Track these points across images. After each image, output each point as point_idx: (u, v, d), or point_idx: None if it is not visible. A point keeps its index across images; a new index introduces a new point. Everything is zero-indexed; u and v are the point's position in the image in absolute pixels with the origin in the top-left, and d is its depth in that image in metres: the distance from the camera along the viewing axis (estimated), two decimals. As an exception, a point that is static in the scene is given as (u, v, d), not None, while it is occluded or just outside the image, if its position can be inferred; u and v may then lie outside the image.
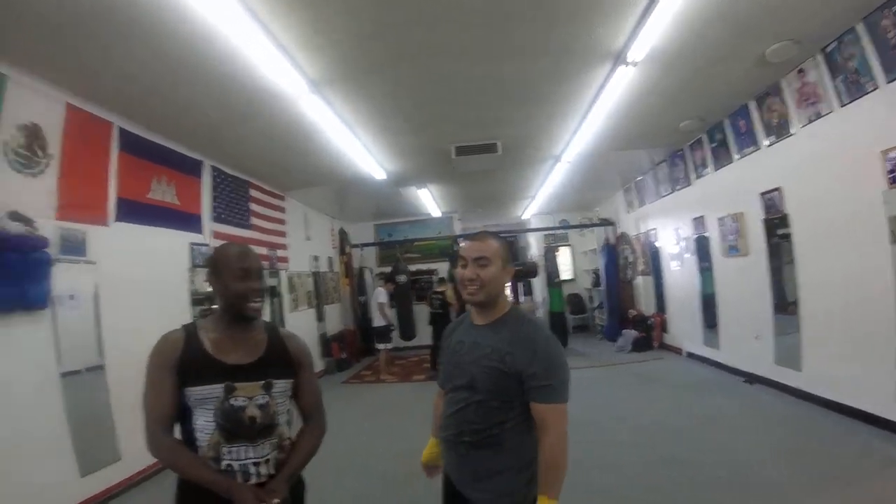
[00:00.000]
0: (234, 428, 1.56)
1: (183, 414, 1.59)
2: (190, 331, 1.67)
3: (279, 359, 1.75)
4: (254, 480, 1.58)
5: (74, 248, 4.07)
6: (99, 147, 4.46)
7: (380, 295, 8.99)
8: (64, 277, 3.91)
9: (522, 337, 1.66)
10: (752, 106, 5.42)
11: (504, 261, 1.74)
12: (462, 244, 1.83)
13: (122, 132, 4.69)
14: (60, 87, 3.91)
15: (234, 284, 1.64)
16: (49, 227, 3.77)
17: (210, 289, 1.75)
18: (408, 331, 10.60)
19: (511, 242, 1.84)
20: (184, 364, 1.58)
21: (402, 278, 10.72)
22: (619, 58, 4.16)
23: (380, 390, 8.05)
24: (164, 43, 3.41)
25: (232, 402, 1.57)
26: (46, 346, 3.74)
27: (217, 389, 1.56)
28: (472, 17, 3.55)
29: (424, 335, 9.80)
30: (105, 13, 3.03)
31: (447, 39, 3.82)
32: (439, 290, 8.93)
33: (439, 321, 8.19)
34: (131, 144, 4.81)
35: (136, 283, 4.71)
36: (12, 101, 3.49)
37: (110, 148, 4.58)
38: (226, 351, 1.64)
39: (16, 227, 3.38)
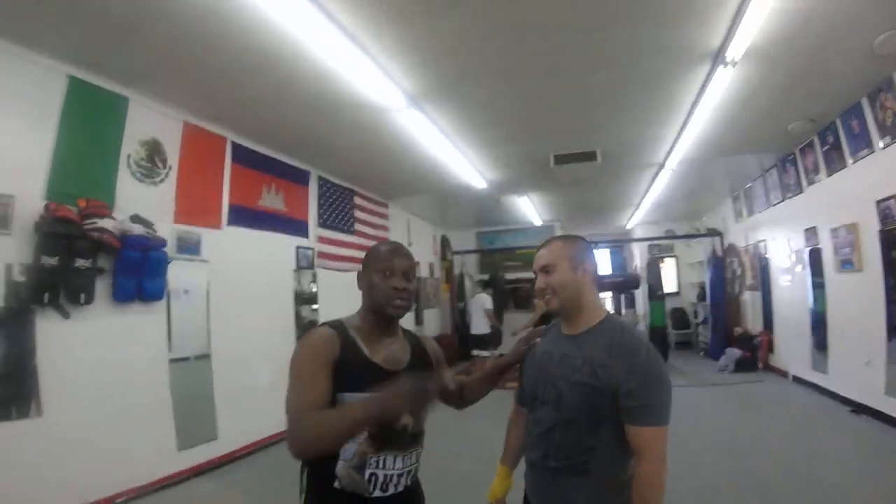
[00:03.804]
0: (387, 436, 1.46)
1: None
2: (341, 330, 1.54)
3: (423, 361, 1.68)
4: (391, 492, 1.49)
5: (189, 248, 4.66)
6: (213, 159, 5.05)
7: (486, 301, 8.78)
8: (180, 274, 4.49)
9: (620, 348, 1.47)
10: (865, 103, 4.89)
11: (574, 261, 1.61)
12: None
13: (235, 146, 5.29)
14: (178, 107, 4.52)
15: (378, 282, 1.56)
16: (167, 229, 4.35)
17: (361, 287, 1.64)
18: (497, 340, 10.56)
19: (587, 241, 1.74)
20: (343, 366, 1.45)
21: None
22: (717, 58, 3.97)
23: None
24: (271, 65, 3.81)
25: None
26: (159, 335, 4.32)
27: None
28: (560, 26, 3.59)
29: (509, 344, 9.71)
30: (218, 42, 3.47)
31: (537, 49, 3.88)
32: None
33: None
34: (243, 157, 5.41)
35: (244, 281, 5.25)
36: (134, 119, 4.11)
37: (224, 160, 5.18)
38: (380, 354, 1.55)
39: (137, 229, 3.93)
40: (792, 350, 7.33)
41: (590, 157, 6.35)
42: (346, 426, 1.32)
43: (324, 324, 1.59)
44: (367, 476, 1.44)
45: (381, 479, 1.46)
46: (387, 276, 1.56)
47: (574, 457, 1.49)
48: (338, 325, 1.56)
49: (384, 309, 1.56)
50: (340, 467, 1.43)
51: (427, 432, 1.61)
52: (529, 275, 7.83)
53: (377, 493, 1.46)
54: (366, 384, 1.39)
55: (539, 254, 1.67)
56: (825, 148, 5.82)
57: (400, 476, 1.50)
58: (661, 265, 11.27)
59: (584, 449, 1.48)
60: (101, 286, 3.77)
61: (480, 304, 8.80)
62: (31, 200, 3.37)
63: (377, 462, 1.46)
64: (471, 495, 3.50)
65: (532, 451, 1.62)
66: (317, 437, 1.32)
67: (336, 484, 1.44)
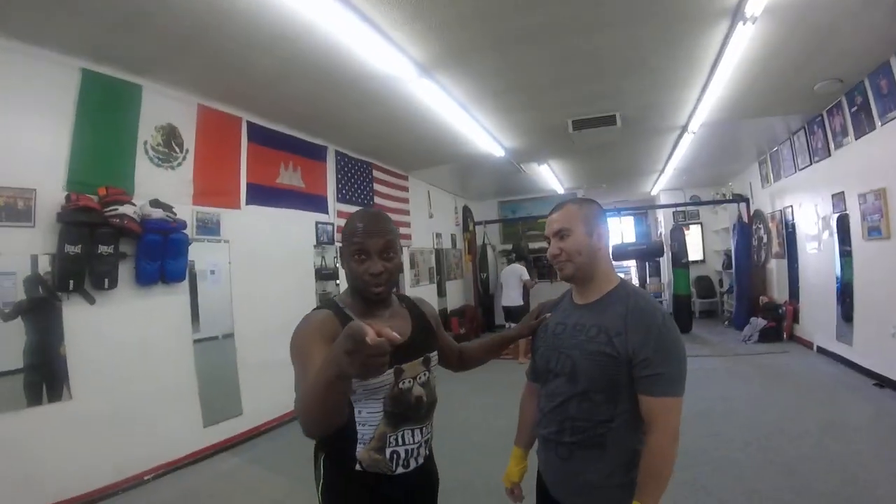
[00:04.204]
0: (403, 412, 1.46)
1: None
2: (337, 311, 1.48)
3: (425, 329, 1.64)
4: (413, 466, 1.50)
5: (209, 229, 4.78)
6: (230, 140, 5.12)
7: (522, 272, 8.42)
8: (201, 255, 4.63)
9: (635, 315, 1.44)
10: (894, 62, 4.67)
11: (589, 225, 1.55)
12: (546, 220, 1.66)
13: (250, 125, 5.34)
14: (191, 90, 4.57)
15: (354, 266, 1.48)
16: (187, 211, 4.46)
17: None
18: (524, 311, 10.51)
19: (600, 205, 1.66)
20: None
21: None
22: (736, 14, 3.79)
23: (493, 367, 8.21)
24: (279, 42, 3.81)
25: (400, 385, 1.46)
26: (183, 315, 4.47)
27: (389, 376, 1.43)
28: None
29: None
30: (226, 23, 3.48)
31: (549, 14, 3.76)
32: None
33: None
34: (259, 135, 5.47)
35: (264, 259, 5.38)
36: (149, 106, 4.18)
37: (240, 140, 5.24)
38: None
39: (156, 213, 4.05)
40: (817, 320, 7.17)
41: (609, 121, 6.19)
42: (320, 390, 1.11)
43: (318, 307, 1.54)
44: (388, 455, 1.45)
45: (402, 455, 1.47)
46: (362, 259, 1.46)
47: (590, 430, 1.46)
48: (332, 306, 1.51)
49: (364, 294, 1.49)
50: (360, 451, 1.43)
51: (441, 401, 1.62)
52: (553, 243, 7.19)
53: (399, 470, 1.47)
54: None
55: (552, 217, 1.60)
56: (853, 109, 5.58)
57: (419, 447, 1.51)
58: (686, 232, 11.05)
59: (600, 421, 1.44)
60: (125, 270, 3.92)
61: (515, 274, 8.45)
62: (52, 192, 3.51)
63: (397, 439, 1.46)
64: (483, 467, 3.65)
65: (545, 427, 1.58)
66: (307, 412, 1.17)
67: (357, 467, 1.44)
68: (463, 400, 5.73)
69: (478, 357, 1.89)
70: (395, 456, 1.46)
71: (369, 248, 1.46)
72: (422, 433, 1.52)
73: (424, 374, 1.54)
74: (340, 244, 1.58)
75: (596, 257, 1.55)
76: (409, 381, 1.48)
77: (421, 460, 1.52)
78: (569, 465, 1.50)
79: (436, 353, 1.64)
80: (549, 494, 1.59)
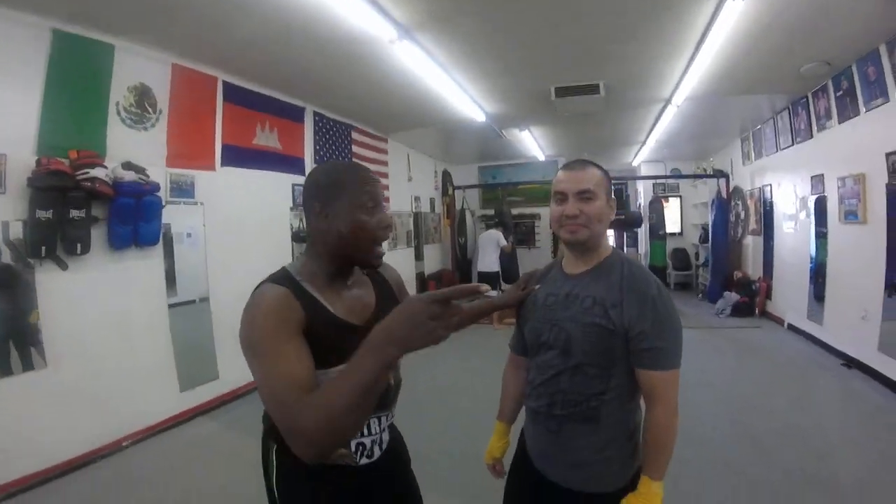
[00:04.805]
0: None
1: None
2: (294, 286, 1.21)
3: (389, 298, 1.43)
4: (377, 454, 1.36)
5: (184, 191, 4.63)
6: (205, 100, 4.91)
7: (499, 238, 8.46)
8: (175, 218, 4.49)
9: (631, 284, 1.40)
10: (883, 50, 4.65)
11: (609, 194, 1.50)
12: (559, 174, 1.52)
13: (227, 85, 5.12)
14: (165, 50, 4.34)
15: (366, 218, 1.24)
16: (160, 173, 4.31)
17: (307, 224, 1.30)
18: (514, 275, 10.57)
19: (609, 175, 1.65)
20: (314, 336, 1.16)
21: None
22: None
23: (475, 331, 8.29)
24: (258, 2, 3.62)
25: None
26: (158, 279, 4.37)
27: None
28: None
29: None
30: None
31: None
32: None
33: None
34: (236, 95, 5.25)
35: (240, 222, 5.25)
36: (121, 66, 3.97)
37: (216, 100, 5.02)
38: (343, 306, 1.27)
39: (129, 176, 3.88)
40: (789, 298, 7.35)
41: (592, 90, 6.10)
42: (358, 393, 0.92)
43: (268, 282, 1.24)
44: (353, 447, 1.31)
45: (367, 445, 1.34)
46: (372, 211, 1.24)
47: (582, 403, 1.43)
48: (287, 280, 1.23)
49: (365, 259, 1.28)
50: None
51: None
52: (532, 210, 7.83)
53: (364, 461, 1.34)
54: (347, 350, 1.00)
55: (573, 175, 1.47)
56: (838, 94, 5.59)
57: (383, 433, 1.38)
58: (666, 205, 11.14)
59: (593, 394, 1.42)
60: (97, 235, 3.78)
61: (492, 240, 8.48)
62: (22, 157, 3.35)
63: (362, 430, 1.32)
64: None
65: (535, 400, 1.53)
66: (338, 429, 0.95)
67: None
68: (450, 364, 5.83)
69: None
70: (360, 447, 1.32)
71: (378, 196, 1.27)
72: (386, 419, 1.40)
73: None
74: (318, 194, 1.26)
75: (606, 228, 1.52)
76: None
77: (385, 446, 1.40)
78: (559, 438, 1.47)
79: None
80: (532, 467, 1.56)
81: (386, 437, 1.40)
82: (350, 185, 1.25)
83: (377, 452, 1.37)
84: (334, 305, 1.25)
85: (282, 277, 1.25)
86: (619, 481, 1.43)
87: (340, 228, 1.24)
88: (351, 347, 0.98)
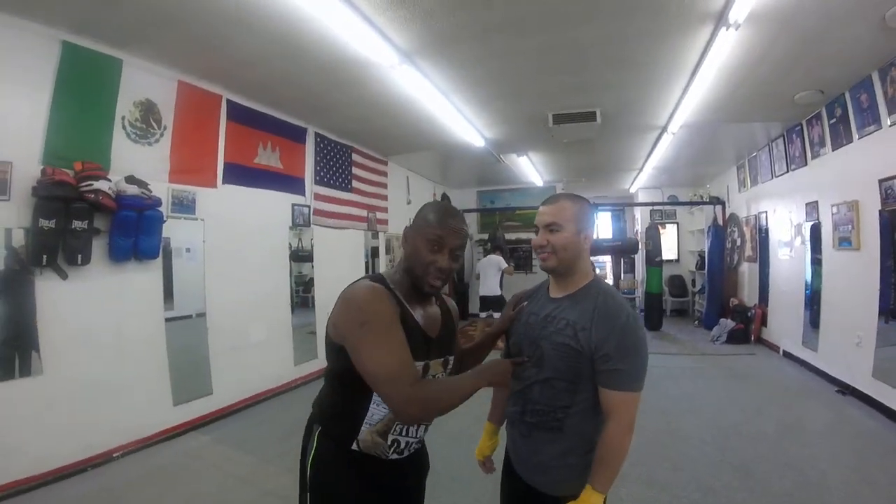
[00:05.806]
0: None
1: (362, 385, 1.39)
2: (391, 291, 1.48)
3: (450, 329, 1.67)
4: (406, 454, 1.56)
5: (185, 207, 4.68)
6: (209, 118, 4.99)
7: (500, 262, 8.61)
8: (175, 233, 4.53)
9: (602, 312, 1.52)
10: (875, 77, 4.76)
11: (579, 224, 1.61)
12: (539, 208, 1.69)
13: (231, 104, 5.21)
14: (172, 66, 4.44)
15: (423, 252, 1.49)
16: (162, 188, 4.36)
17: (403, 244, 1.59)
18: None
19: (592, 204, 1.67)
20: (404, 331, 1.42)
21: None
22: (720, 19, 3.80)
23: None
24: (264, 22, 3.71)
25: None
26: (156, 293, 4.39)
27: (419, 366, 1.46)
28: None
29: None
30: (210, 0, 3.37)
31: (534, 4, 3.72)
32: None
33: None
34: (239, 114, 5.34)
35: (239, 239, 5.29)
36: (128, 81, 4.06)
37: (219, 118, 5.11)
38: (421, 318, 1.54)
39: (131, 189, 3.95)
40: (785, 325, 7.36)
41: (589, 117, 6.20)
42: (462, 397, 1.41)
43: (369, 279, 1.51)
44: (389, 441, 1.50)
45: (401, 444, 1.52)
46: (434, 250, 1.49)
47: (549, 414, 1.58)
48: (383, 282, 1.50)
49: (419, 282, 1.51)
50: (364, 431, 1.47)
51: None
52: (530, 235, 7.76)
53: (394, 456, 1.53)
54: (416, 353, 1.42)
55: (545, 209, 1.65)
56: (832, 121, 5.70)
57: (417, 440, 1.58)
58: (662, 231, 11.21)
59: (559, 407, 1.56)
60: (98, 246, 3.83)
61: (493, 264, 8.62)
62: (28, 166, 3.41)
63: (403, 429, 1.51)
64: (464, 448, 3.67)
65: (511, 405, 1.71)
66: (447, 404, 1.38)
67: (354, 446, 1.48)
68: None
69: (477, 357, 1.90)
70: (395, 444, 1.51)
71: (446, 243, 1.49)
72: (424, 430, 1.60)
73: (442, 375, 1.59)
74: (412, 223, 1.56)
75: (580, 256, 1.63)
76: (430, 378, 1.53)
77: (412, 449, 1.58)
78: (528, 442, 1.63)
79: (453, 357, 1.69)
80: (514, 470, 1.71)
81: (417, 444, 1.60)
82: (430, 224, 1.51)
83: (406, 452, 1.56)
84: (415, 312, 1.52)
85: (379, 278, 1.52)
86: (578, 488, 1.51)
87: (409, 252, 1.54)
88: (420, 349, 1.45)
